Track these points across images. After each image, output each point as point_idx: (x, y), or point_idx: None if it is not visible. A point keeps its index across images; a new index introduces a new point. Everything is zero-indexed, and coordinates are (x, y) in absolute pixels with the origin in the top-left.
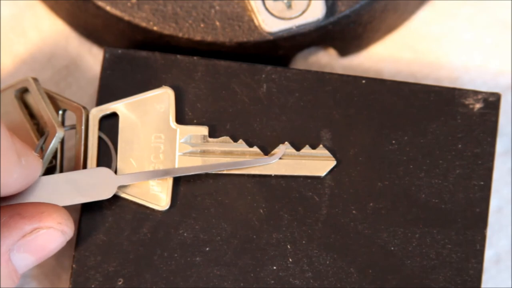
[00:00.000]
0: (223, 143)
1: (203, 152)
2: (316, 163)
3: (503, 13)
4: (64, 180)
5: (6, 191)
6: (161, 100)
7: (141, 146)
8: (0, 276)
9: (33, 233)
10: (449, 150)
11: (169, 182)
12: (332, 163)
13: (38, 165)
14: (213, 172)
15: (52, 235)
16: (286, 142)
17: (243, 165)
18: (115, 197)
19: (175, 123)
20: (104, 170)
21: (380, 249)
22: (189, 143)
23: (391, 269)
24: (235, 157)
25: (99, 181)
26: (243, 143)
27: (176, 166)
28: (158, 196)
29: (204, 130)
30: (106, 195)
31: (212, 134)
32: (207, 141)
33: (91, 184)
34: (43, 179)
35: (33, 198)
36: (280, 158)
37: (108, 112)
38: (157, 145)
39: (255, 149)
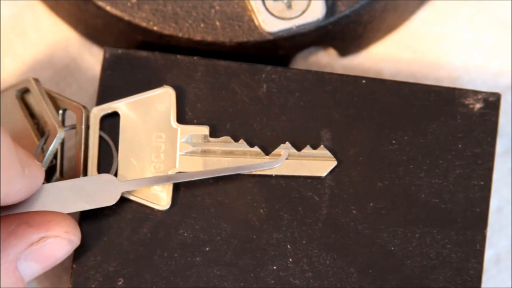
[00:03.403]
0: (224, 143)
1: (204, 152)
2: (317, 163)
3: (503, 13)
4: (68, 187)
5: (8, 200)
6: (162, 99)
7: (142, 145)
8: (1, 283)
9: (40, 242)
10: (449, 150)
11: None
12: (333, 163)
13: (40, 174)
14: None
15: (59, 244)
16: (287, 142)
17: (247, 170)
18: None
19: (176, 122)
20: (107, 176)
21: (380, 249)
22: (190, 143)
23: (391, 269)
24: (236, 157)
25: (103, 188)
26: (244, 143)
27: (177, 166)
28: (158, 196)
29: (205, 129)
30: (110, 201)
31: (213, 134)
32: (208, 141)
33: (95, 191)
34: (46, 187)
35: (36, 206)
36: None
37: (109, 111)
38: (158, 145)
39: (256, 149)
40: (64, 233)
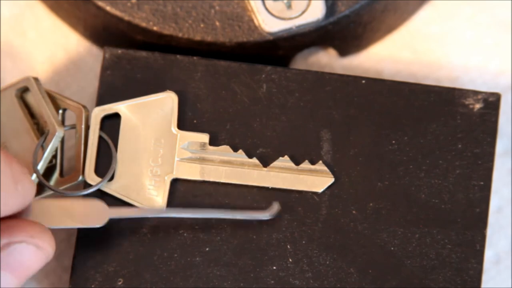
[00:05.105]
0: (223, 152)
1: (202, 160)
2: (314, 179)
3: (503, 13)
4: (57, 205)
5: None
6: (164, 104)
7: (141, 148)
8: None
9: (5, 249)
10: (449, 150)
11: (166, 185)
12: (330, 180)
13: (32, 190)
14: (212, 180)
15: (26, 250)
16: (286, 156)
17: (235, 216)
18: (114, 197)
19: (176, 128)
20: (97, 202)
21: (380, 249)
22: (189, 150)
23: (391, 269)
24: (234, 167)
25: (91, 211)
26: (243, 153)
27: (174, 172)
28: (154, 200)
29: (204, 137)
30: (97, 224)
31: (212, 134)
32: (207, 149)
33: (83, 212)
34: (36, 203)
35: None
36: (279, 172)
37: (110, 112)
38: (157, 149)
39: (254, 160)
40: (29, 237)
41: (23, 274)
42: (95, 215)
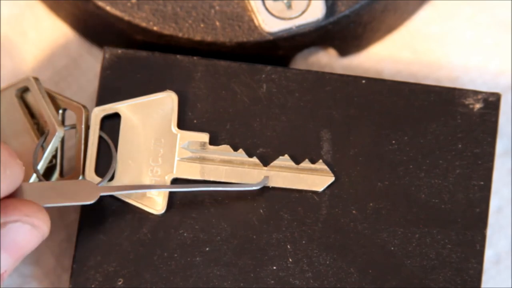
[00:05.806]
0: (223, 152)
1: (202, 159)
2: (315, 177)
3: (503, 13)
4: (47, 186)
5: None
6: (164, 104)
7: (140, 148)
8: None
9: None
10: (449, 150)
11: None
12: (330, 179)
13: (21, 173)
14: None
15: (21, 229)
16: (286, 155)
17: (226, 188)
18: (114, 197)
19: (176, 128)
20: (86, 180)
21: (380, 249)
22: (189, 149)
23: (391, 269)
24: (234, 166)
25: (82, 189)
26: (243, 152)
27: (174, 171)
28: (154, 200)
29: (204, 137)
30: (88, 200)
31: (212, 134)
32: (207, 149)
33: (74, 191)
34: (26, 185)
35: None
36: (279, 171)
37: (110, 112)
38: (157, 149)
39: (254, 159)
40: (24, 216)
41: (19, 253)
42: (85, 192)
